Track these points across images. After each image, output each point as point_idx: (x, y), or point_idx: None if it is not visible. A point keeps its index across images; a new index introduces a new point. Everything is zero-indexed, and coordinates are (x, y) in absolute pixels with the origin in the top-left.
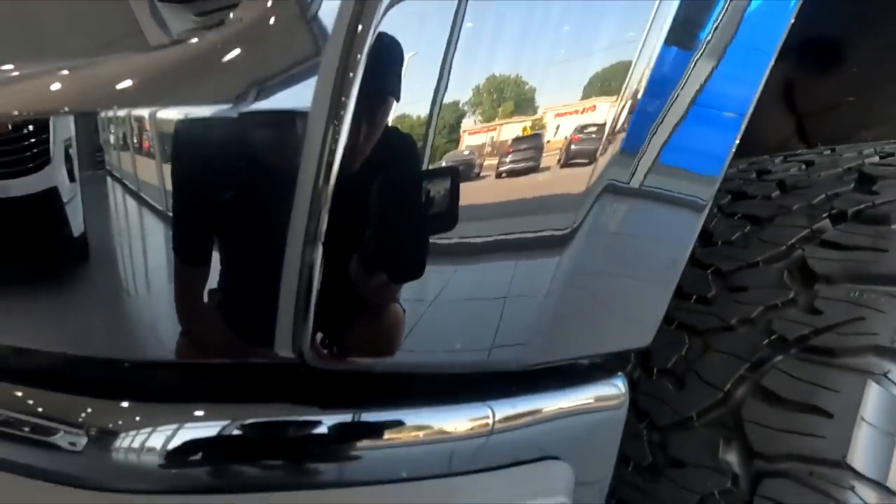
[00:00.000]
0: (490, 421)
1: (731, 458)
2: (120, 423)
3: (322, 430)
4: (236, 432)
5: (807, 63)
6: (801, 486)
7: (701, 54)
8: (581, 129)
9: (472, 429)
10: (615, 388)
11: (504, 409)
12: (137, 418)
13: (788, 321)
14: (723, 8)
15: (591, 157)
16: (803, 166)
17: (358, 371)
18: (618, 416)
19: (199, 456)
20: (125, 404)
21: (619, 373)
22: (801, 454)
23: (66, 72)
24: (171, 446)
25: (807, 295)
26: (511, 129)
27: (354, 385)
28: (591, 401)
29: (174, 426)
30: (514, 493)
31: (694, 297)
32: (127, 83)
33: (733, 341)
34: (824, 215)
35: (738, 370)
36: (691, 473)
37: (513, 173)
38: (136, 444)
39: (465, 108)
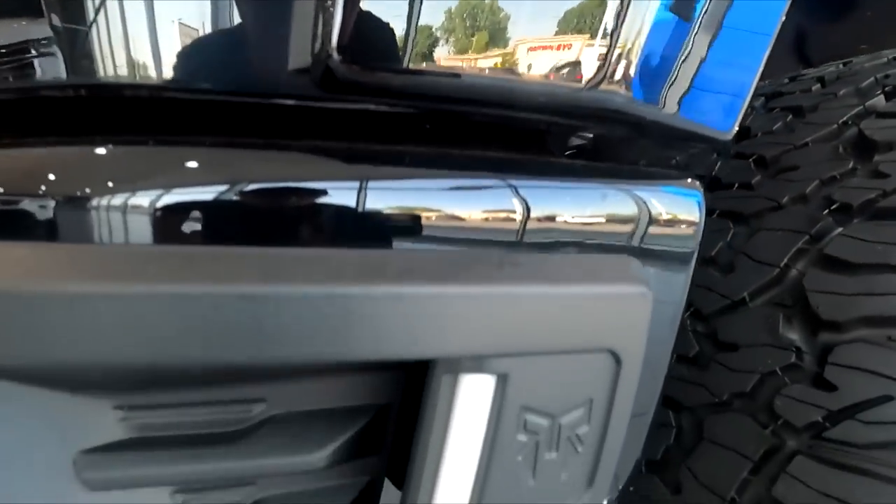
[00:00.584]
0: (552, 207)
1: (793, 333)
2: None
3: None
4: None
5: (819, 11)
6: (879, 347)
7: None
8: None
9: (532, 209)
10: (690, 202)
11: (568, 189)
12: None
13: (851, 189)
14: None
15: None
16: (841, 65)
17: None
18: (691, 242)
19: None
20: (102, 151)
21: (696, 183)
22: (878, 316)
23: None
24: (159, 203)
25: (867, 164)
26: None
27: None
28: (663, 202)
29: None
30: (591, 277)
31: (736, 185)
32: None
33: (787, 218)
34: (877, 93)
35: (796, 244)
36: (747, 355)
37: None
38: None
39: None
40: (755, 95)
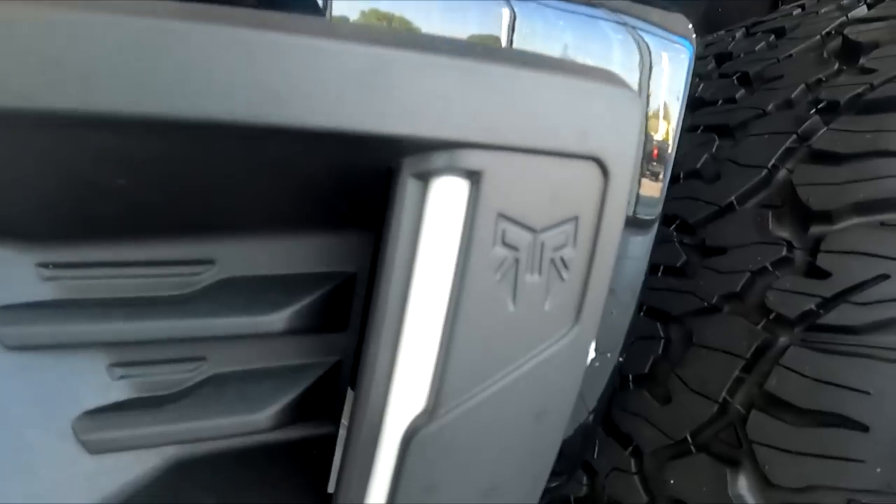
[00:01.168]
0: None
1: (783, 230)
2: None
3: None
4: None
5: None
6: (873, 230)
7: None
8: None
9: (514, 26)
10: (681, 41)
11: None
12: None
13: (838, 87)
14: None
15: None
16: None
17: None
18: (682, 77)
19: None
20: None
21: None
22: (869, 200)
23: None
24: None
25: (853, 65)
26: None
27: None
28: (655, 36)
29: None
30: (576, 72)
31: (720, 101)
32: None
33: (773, 123)
34: (859, 4)
35: (783, 145)
36: (736, 256)
37: None
38: None
39: None
40: (738, 27)
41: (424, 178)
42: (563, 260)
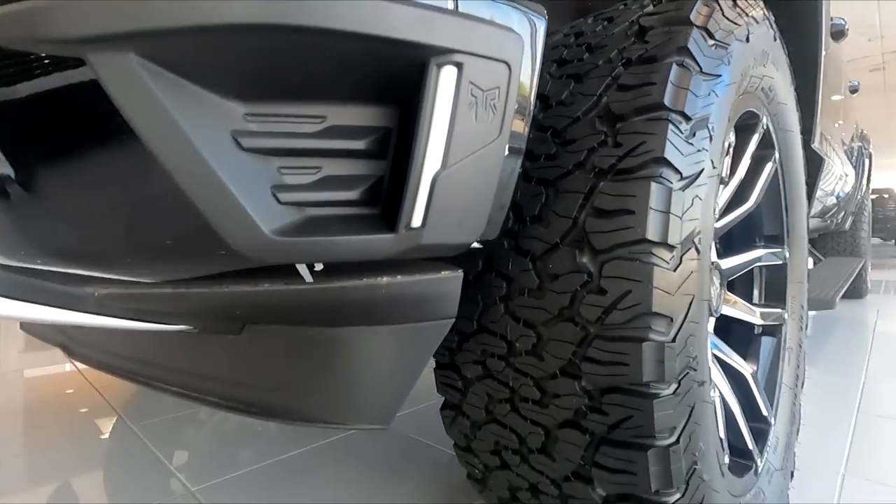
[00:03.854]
0: None
1: (586, 261)
2: None
3: None
4: None
5: None
6: (627, 262)
7: None
8: None
9: None
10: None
11: None
12: None
13: (603, 156)
14: None
15: None
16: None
17: None
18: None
19: None
20: None
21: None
22: (624, 242)
23: None
24: None
25: (613, 133)
26: None
27: None
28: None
29: None
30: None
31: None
32: None
33: (573, 182)
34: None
35: (578, 201)
36: (565, 281)
37: None
38: None
39: None
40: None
41: (439, 67)
42: (494, 104)
